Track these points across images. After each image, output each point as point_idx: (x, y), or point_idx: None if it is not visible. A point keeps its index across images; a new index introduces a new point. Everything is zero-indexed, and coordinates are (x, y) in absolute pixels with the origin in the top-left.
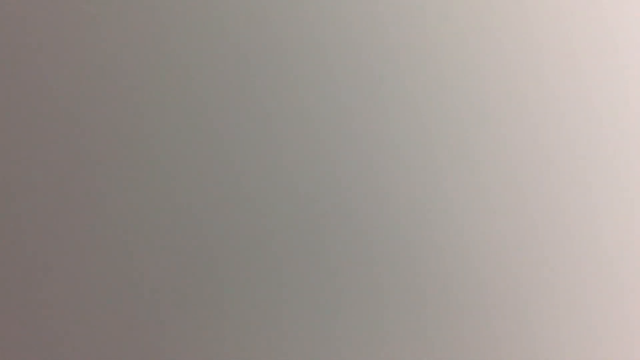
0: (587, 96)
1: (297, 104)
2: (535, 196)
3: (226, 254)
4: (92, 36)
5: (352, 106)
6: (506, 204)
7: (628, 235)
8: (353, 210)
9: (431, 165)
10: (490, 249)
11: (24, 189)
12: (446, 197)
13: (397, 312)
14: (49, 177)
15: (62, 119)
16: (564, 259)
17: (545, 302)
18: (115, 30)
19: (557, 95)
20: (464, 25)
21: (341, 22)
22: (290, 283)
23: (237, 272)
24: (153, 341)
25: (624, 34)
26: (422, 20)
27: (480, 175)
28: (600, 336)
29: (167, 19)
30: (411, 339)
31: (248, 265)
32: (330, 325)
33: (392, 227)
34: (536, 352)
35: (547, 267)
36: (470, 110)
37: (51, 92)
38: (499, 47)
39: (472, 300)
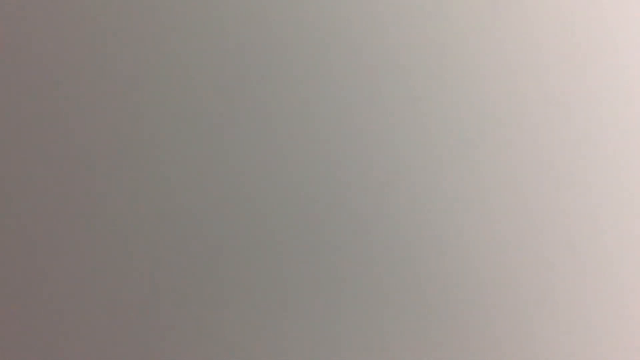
0: (587, 96)
1: (298, 104)
2: (536, 196)
3: (226, 254)
4: (92, 36)
5: (353, 106)
6: (507, 204)
7: (628, 235)
8: (353, 211)
9: (432, 165)
10: (490, 249)
11: (24, 189)
12: (447, 197)
13: (398, 312)
14: (49, 177)
15: (62, 119)
16: (564, 259)
17: (545, 302)
18: (116, 30)
19: (557, 96)
20: (464, 25)
21: (341, 22)
22: (290, 283)
23: (237, 272)
24: (153, 341)
25: (624, 34)
26: (422, 20)
27: (481, 176)
28: (600, 336)
29: (167, 19)
30: (411, 339)
31: (248, 265)
32: (331, 326)
33: (392, 227)
34: (536, 352)
35: (548, 267)
36: (471, 111)
37: (51, 92)
38: (499, 47)
39: (472, 300)
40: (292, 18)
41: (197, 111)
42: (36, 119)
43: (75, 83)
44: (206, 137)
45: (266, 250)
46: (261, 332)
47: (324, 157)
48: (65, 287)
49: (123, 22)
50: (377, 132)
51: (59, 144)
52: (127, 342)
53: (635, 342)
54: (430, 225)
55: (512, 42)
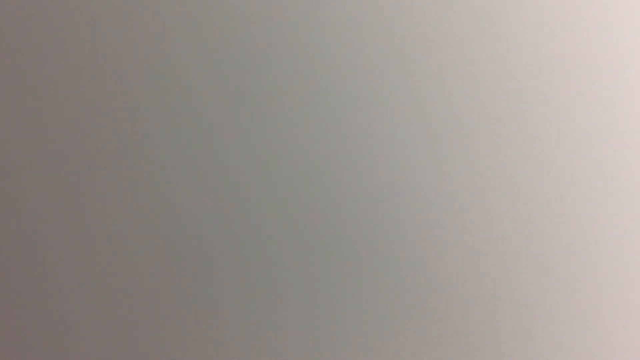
0: (587, 96)
1: (298, 104)
2: (536, 196)
3: (226, 253)
4: (92, 36)
5: (353, 106)
6: (507, 204)
7: (628, 235)
8: (353, 210)
9: (431, 165)
10: (490, 249)
11: (24, 189)
12: (447, 196)
13: (398, 312)
14: (49, 177)
15: (62, 119)
16: (564, 259)
17: (545, 302)
18: (116, 30)
19: (557, 96)
20: (465, 25)
21: (341, 22)
22: (290, 283)
23: (237, 272)
24: (153, 341)
25: (624, 34)
26: (422, 20)
27: (481, 175)
28: (600, 336)
29: (167, 19)
30: (411, 339)
31: (248, 265)
32: (331, 326)
33: (392, 227)
34: (536, 352)
35: (548, 267)
36: (471, 110)
37: (51, 93)
38: (499, 48)
39: (472, 300)
40: (292, 18)
41: (197, 111)
42: (36, 119)
43: (76, 83)
44: (206, 137)
45: (266, 250)
46: (261, 332)
47: (324, 157)
48: (65, 287)
49: (123, 22)
50: (378, 132)
51: (59, 144)
52: (127, 342)
53: (636, 342)
54: (430, 225)
55: (512, 42)
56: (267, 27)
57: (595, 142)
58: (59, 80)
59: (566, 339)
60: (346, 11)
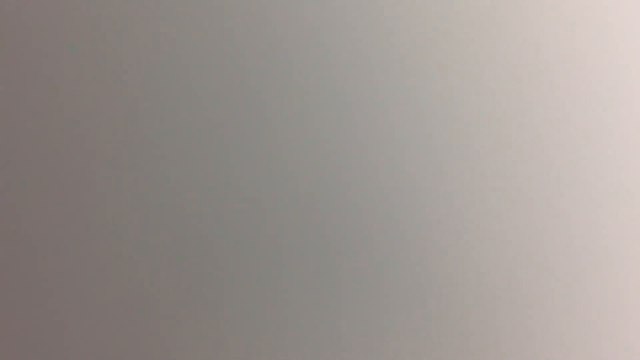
0: (587, 96)
1: (298, 104)
2: (536, 196)
3: (226, 253)
4: (92, 36)
5: (353, 106)
6: (507, 204)
7: (628, 235)
8: (353, 210)
9: (431, 165)
10: (490, 249)
11: (24, 189)
12: (447, 196)
13: (398, 312)
14: (49, 177)
15: (62, 119)
16: (564, 259)
17: (545, 302)
18: (116, 30)
19: (557, 96)
20: (465, 25)
21: (341, 23)
22: (290, 283)
23: (237, 273)
24: (153, 341)
25: (624, 34)
26: (422, 20)
27: (481, 175)
28: (600, 336)
29: (167, 19)
30: (411, 339)
31: (248, 265)
32: (331, 326)
33: (392, 227)
34: (536, 352)
35: (548, 267)
36: (471, 110)
37: (51, 93)
38: (499, 48)
39: (472, 300)
40: (292, 18)
41: (197, 111)
42: (36, 119)
43: (76, 83)
44: (206, 137)
45: (266, 250)
46: (261, 332)
47: (324, 157)
48: (65, 287)
49: (123, 22)
50: (377, 132)
51: (59, 144)
52: (127, 342)
53: (636, 342)
54: (430, 225)
55: (512, 42)
56: (267, 27)
57: (595, 142)
58: (59, 80)
59: (566, 339)
60: (346, 11)
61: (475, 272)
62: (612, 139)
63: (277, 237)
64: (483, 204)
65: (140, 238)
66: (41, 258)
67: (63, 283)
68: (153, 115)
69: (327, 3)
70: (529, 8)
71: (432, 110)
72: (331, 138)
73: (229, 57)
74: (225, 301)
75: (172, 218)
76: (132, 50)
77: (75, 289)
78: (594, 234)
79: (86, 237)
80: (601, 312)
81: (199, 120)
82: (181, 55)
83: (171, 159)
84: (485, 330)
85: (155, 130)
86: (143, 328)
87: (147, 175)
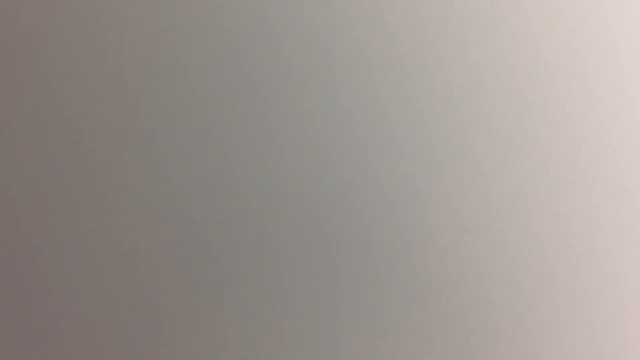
0: (587, 96)
1: (298, 104)
2: (536, 196)
3: (227, 253)
4: (92, 36)
5: (352, 106)
6: (507, 204)
7: (628, 235)
8: (353, 210)
9: (432, 165)
10: (490, 249)
11: (24, 189)
12: (446, 196)
13: (398, 313)
14: (49, 177)
15: (62, 119)
16: (564, 259)
17: (545, 302)
18: (116, 30)
19: (557, 96)
20: (464, 25)
21: (341, 23)
22: (290, 283)
23: (237, 273)
24: (153, 341)
25: (624, 34)
26: (422, 20)
27: (481, 175)
28: (600, 336)
29: (167, 19)
30: (411, 339)
31: (248, 265)
32: (331, 326)
33: (392, 228)
34: (536, 352)
35: (548, 267)
36: (472, 111)
37: (51, 93)
38: (499, 48)
39: (473, 301)
40: (292, 18)
41: (197, 111)
42: (36, 119)
43: (76, 83)
44: (206, 137)
45: (266, 250)
46: (261, 332)
47: (323, 157)
48: (65, 287)
49: (123, 22)
50: (377, 132)
51: (59, 144)
52: (127, 342)
53: (636, 342)
54: (430, 225)
55: (512, 42)
56: (267, 27)
57: (596, 142)
58: (59, 80)
59: (566, 339)
60: (346, 11)
61: (475, 272)
62: (612, 139)
63: (277, 237)
64: (483, 204)
65: (140, 238)
66: (41, 258)
67: (63, 283)
68: (153, 115)
69: (327, 3)
70: (529, 8)
71: (431, 110)
72: (331, 138)
73: (229, 57)
74: (225, 301)
75: (172, 218)
76: (132, 50)
77: (75, 289)
78: (594, 234)
79: (86, 237)
80: (601, 312)
81: (199, 120)
82: (181, 55)
83: (171, 159)
84: (485, 330)
85: (155, 130)
86: (143, 328)
87: (147, 175)
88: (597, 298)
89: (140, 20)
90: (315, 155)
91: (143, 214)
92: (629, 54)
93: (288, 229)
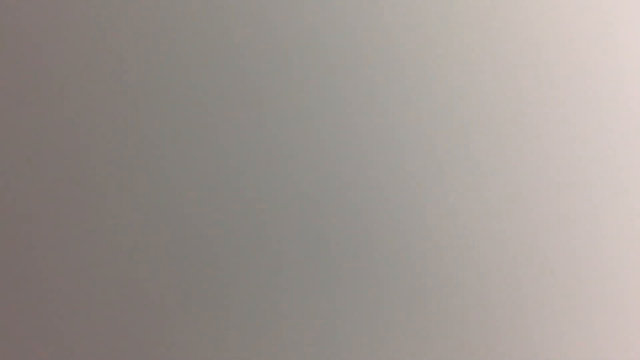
0: (587, 96)
1: (298, 104)
2: (536, 196)
3: (227, 254)
4: (92, 36)
5: (352, 106)
6: (507, 204)
7: (628, 235)
8: (353, 210)
9: (431, 165)
10: (491, 249)
11: (24, 189)
12: (446, 196)
13: (398, 313)
14: (49, 177)
15: (62, 119)
16: (565, 259)
17: (545, 302)
18: (116, 30)
19: (557, 96)
20: (464, 25)
21: (341, 23)
22: (291, 284)
23: (237, 273)
24: (153, 341)
25: (624, 34)
26: (422, 20)
27: (481, 175)
28: (600, 336)
29: (167, 19)
30: (411, 339)
31: (248, 265)
32: (331, 326)
33: (392, 228)
34: (536, 352)
35: (548, 267)
36: (471, 111)
37: (51, 93)
38: (499, 48)
39: (473, 300)
40: (292, 18)
41: (196, 111)
42: (36, 119)
43: (75, 83)
44: (206, 137)
45: (266, 250)
46: (261, 332)
47: (323, 157)
48: (65, 287)
49: (123, 22)
50: (377, 132)
51: (59, 144)
52: (128, 342)
53: (636, 342)
54: (430, 225)
55: (512, 42)
56: (266, 27)
57: (596, 142)
58: (59, 80)
59: (566, 339)
60: (345, 11)
61: (475, 272)
62: (612, 139)
63: (277, 237)
64: (483, 204)
65: (140, 238)
66: (41, 258)
67: (63, 283)
68: (153, 115)
69: (327, 3)
70: (529, 8)
71: (431, 110)
72: (331, 138)
73: (229, 57)
74: (226, 301)
75: (172, 218)
76: (132, 50)
77: (76, 289)
78: (594, 234)
79: (86, 237)
80: (601, 312)
81: (199, 120)
82: (181, 55)
83: (171, 159)
84: (485, 330)
85: (155, 130)
86: (143, 328)
87: (147, 175)
88: (597, 298)
89: (141, 20)
90: (315, 155)
91: (143, 213)
92: (629, 54)
93: (288, 229)
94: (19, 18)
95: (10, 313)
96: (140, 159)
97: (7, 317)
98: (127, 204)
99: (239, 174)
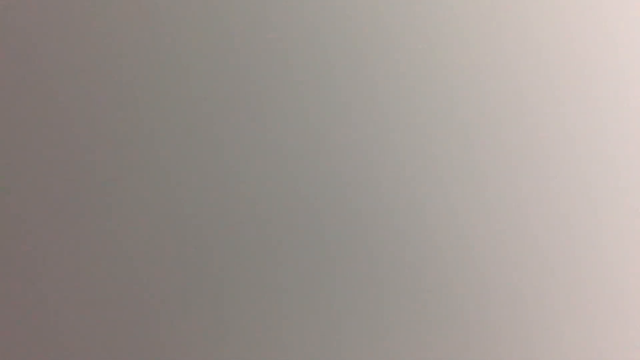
0: (587, 96)
1: (298, 104)
2: (536, 196)
3: (226, 254)
4: (92, 36)
5: (352, 106)
6: (507, 204)
7: (628, 235)
8: (353, 211)
9: (431, 165)
10: (491, 249)
11: (24, 189)
12: (446, 197)
13: (398, 313)
14: (49, 177)
15: (62, 119)
16: (564, 259)
17: (545, 302)
18: (116, 30)
19: (557, 95)
20: (464, 25)
21: (341, 22)
22: (291, 284)
23: (237, 273)
24: (153, 341)
25: (624, 34)
26: (422, 20)
27: (481, 176)
28: (600, 336)
29: (167, 19)
30: (411, 339)
31: (248, 265)
32: (331, 326)
33: (392, 228)
34: (536, 352)
35: (548, 267)
36: (471, 111)
37: (51, 92)
38: (499, 48)
39: (472, 301)
40: (292, 18)
41: (197, 111)
42: (36, 119)
43: (75, 83)
44: (206, 137)
45: (266, 250)
46: (261, 332)
47: (323, 157)
48: (65, 287)
49: (123, 22)
50: (377, 132)
51: (59, 144)
52: (127, 342)
53: (636, 342)
54: (429, 225)
55: (512, 42)
56: (266, 27)
57: (595, 142)
58: (59, 80)
59: (566, 339)
60: (345, 11)
61: (475, 272)
62: (612, 139)
63: (277, 237)
64: (482, 204)
65: (140, 238)
66: (41, 258)
67: (63, 283)
68: (153, 115)
69: (327, 3)
70: (529, 8)
71: (431, 110)
72: (331, 138)
73: (229, 57)
74: (225, 301)
75: (172, 218)
76: (132, 50)
77: (76, 289)
78: (594, 234)
79: (86, 237)
80: (601, 312)
81: (199, 120)
82: (181, 55)
83: (171, 159)
84: (485, 330)
85: (155, 130)
86: (143, 328)
87: (147, 176)
88: (597, 298)
89: (141, 20)
90: (315, 155)
91: (143, 213)
92: (629, 54)
93: (288, 228)
94: (19, 18)
95: (11, 313)
96: (140, 159)
97: (7, 317)
98: (127, 203)
99: (238, 174)
